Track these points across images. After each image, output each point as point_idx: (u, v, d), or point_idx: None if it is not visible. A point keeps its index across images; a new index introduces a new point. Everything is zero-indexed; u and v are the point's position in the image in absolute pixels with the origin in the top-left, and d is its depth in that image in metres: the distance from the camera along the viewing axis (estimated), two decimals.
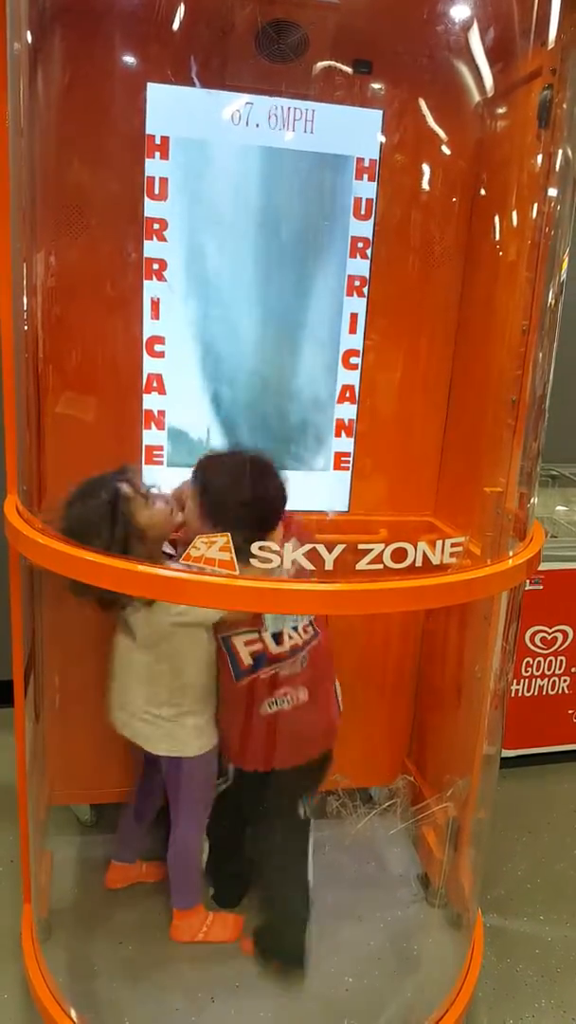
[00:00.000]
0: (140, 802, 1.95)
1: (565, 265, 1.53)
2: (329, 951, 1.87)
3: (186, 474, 1.85)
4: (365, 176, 1.80)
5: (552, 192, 1.54)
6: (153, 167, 1.70)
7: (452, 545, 1.28)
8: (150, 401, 1.83)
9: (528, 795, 2.57)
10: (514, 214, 1.76)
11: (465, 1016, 1.70)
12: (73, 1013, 1.61)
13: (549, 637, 2.54)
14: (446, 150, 1.81)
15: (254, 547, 1.20)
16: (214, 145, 1.73)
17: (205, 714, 1.77)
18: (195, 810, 1.84)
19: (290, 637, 1.74)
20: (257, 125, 1.70)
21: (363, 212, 1.82)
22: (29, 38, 1.45)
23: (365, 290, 1.88)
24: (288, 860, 1.84)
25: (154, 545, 1.57)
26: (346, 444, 1.97)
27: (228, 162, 1.74)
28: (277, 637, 1.73)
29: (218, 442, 1.89)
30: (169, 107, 1.67)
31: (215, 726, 1.80)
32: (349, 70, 1.72)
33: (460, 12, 1.59)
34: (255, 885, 1.90)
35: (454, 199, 1.86)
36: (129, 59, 1.66)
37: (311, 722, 1.80)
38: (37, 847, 1.79)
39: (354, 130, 1.77)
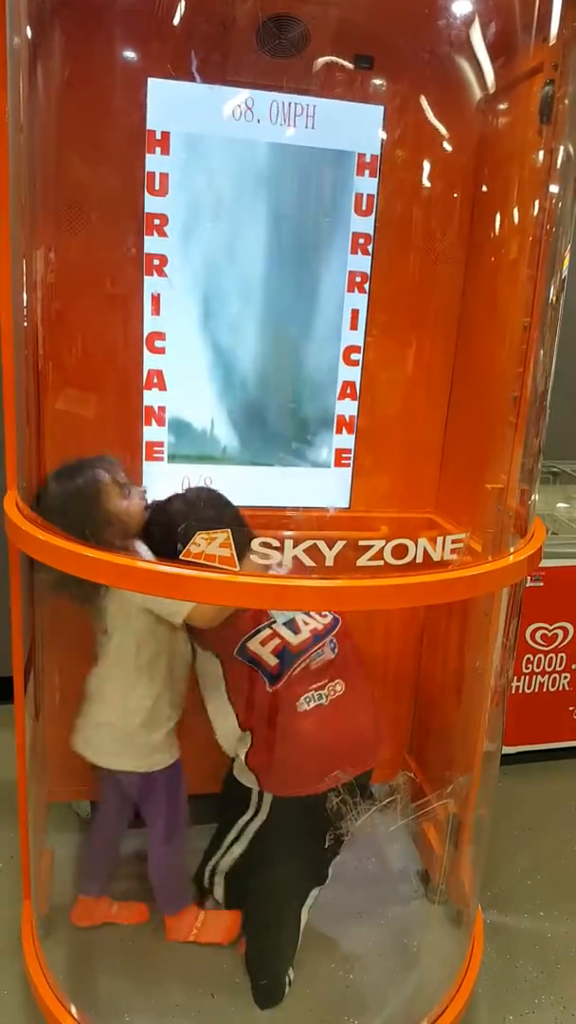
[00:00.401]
0: (98, 826, 1.92)
1: (567, 262, 1.53)
2: (329, 947, 1.87)
3: (187, 470, 1.86)
4: (366, 172, 1.79)
5: (554, 188, 1.53)
6: (154, 162, 1.69)
7: (453, 542, 1.28)
8: (150, 397, 1.82)
9: (529, 792, 2.57)
10: (515, 210, 1.76)
11: (465, 1012, 1.70)
12: (73, 1009, 1.61)
13: (550, 634, 2.54)
14: (447, 146, 1.80)
15: (254, 543, 1.20)
16: (215, 140, 1.73)
17: (162, 729, 1.73)
18: (166, 825, 1.81)
19: (305, 623, 1.71)
20: (258, 121, 1.69)
21: (364, 208, 1.82)
22: (29, 33, 1.45)
23: (366, 286, 1.87)
24: (290, 897, 1.81)
25: (124, 538, 1.56)
26: (347, 440, 1.97)
27: (229, 157, 1.74)
28: (292, 626, 1.70)
29: (220, 435, 1.89)
30: (170, 102, 1.66)
31: (175, 742, 1.76)
32: (350, 65, 1.71)
33: (461, 7, 1.59)
34: (250, 907, 1.86)
35: (455, 195, 1.86)
36: (129, 54, 1.65)
37: (354, 721, 1.73)
38: (37, 844, 1.79)
39: (355, 126, 1.76)
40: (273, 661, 1.67)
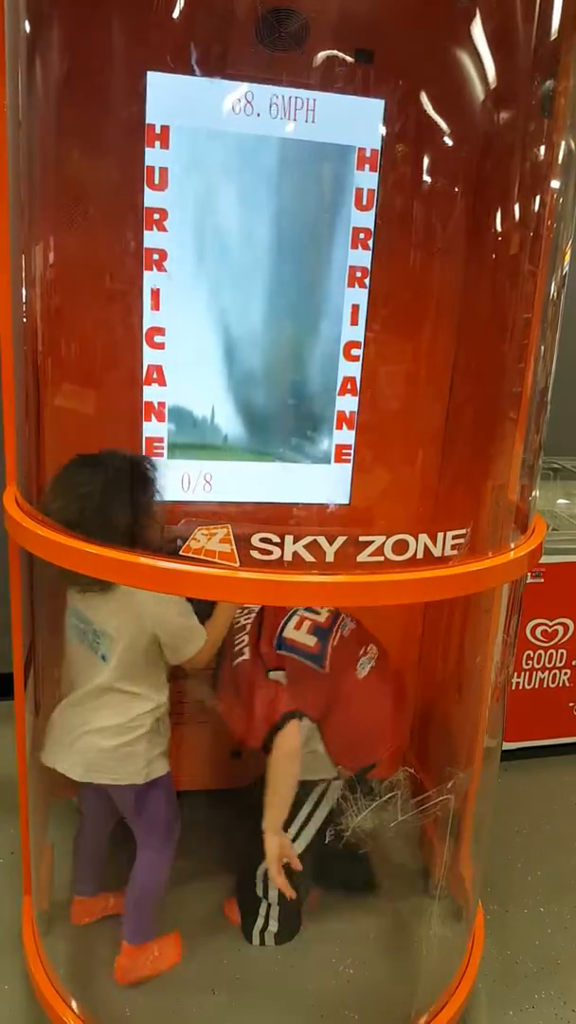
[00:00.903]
0: (84, 831, 1.88)
1: (568, 258, 1.52)
2: (330, 942, 1.87)
3: (186, 466, 1.86)
4: (367, 166, 1.79)
5: (555, 184, 1.53)
6: (153, 156, 1.68)
7: (453, 537, 1.28)
8: (150, 392, 1.82)
9: (529, 788, 2.57)
10: (516, 206, 1.75)
11: (466, 1007, 1.70)
12: (74, 1004, 1.61)
13: (550, 630, 2.54)
14: (448, 140, 1.80)
15: (254, 539, 1.20)
16: (215, 134, 1.72)
17: (164, 743, 1.70)
18: (154, 839, 1.75)
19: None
20: (258, 114, 1.68)
21: (364, 203, 1.81)
22: (27, 27, 1.44)
23: (366, 281, 1.87)
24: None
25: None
26: (347, 436, 1.96)
27: (229, 151, 1.73)
28: (311, 610, 1.77)
29: (220, 431, 1.89)
30: (169, 96, 1.65)
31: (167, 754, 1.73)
32: (350, 59, 1.70)
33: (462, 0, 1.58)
34: None
35: (456, 190, 1.85)
36: (128, 47, 1.64)
37: (397, 674, 1.85)
38: (38, 840, 1.79)
39: (355, 120, 1.75)
40: (312, 640, 1.72)
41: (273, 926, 1.86)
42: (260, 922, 1.86)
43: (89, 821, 1.87)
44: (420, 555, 1.25)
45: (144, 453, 1.85)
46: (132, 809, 1.72)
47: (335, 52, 1.69)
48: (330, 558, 1.23)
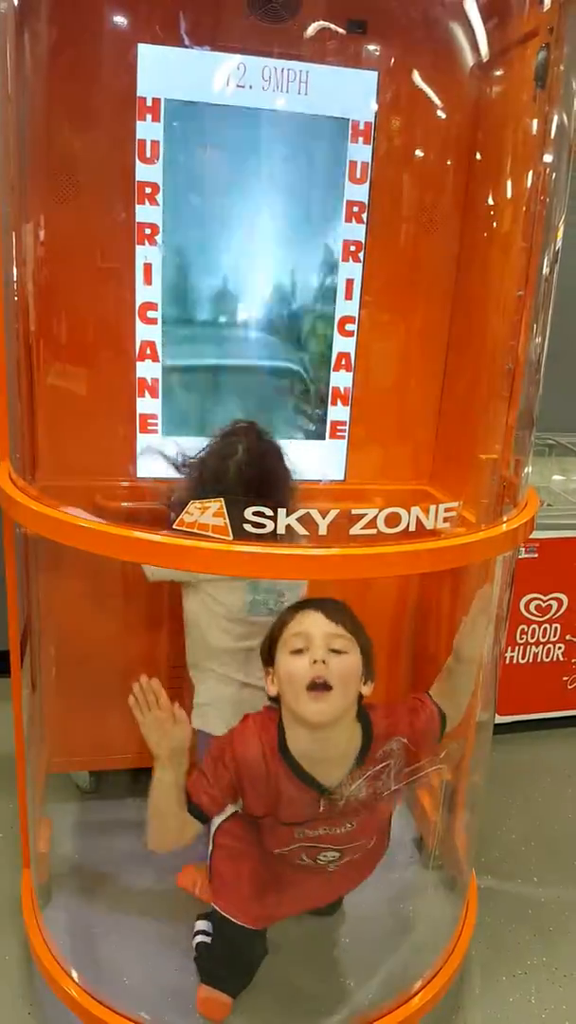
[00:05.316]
0: None
1: (560, 234, 1.52)
2: (326, 911, 1.90)
3: (181, 443, 1.86)
4: (360, 139, 1.77)
5: (547, 158, 1.52)
6: (144, 130, 1.67)
7: (446, 510, 1.28)
8: (143, 369, 1.81)
9: (522, 760, 2.60)
10: (509, 180, 1.74)
11: (459, 974, 1.73)
12: (74, 974, 1.64)
13: (544, 605, 2.55)
14: (441, 113, 1.78)
15: (247, 512, 1.20)
16: (207, 107, 1.70)
17: None
18: None
19: None
20: (250, 86, 1.67)
21: (359, 176, 1.80)
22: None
23: (361, 255, 1.86)
24: None
25: None
26: (342, 412, 1.96)
27: (221, 124, 1.72)
28: None
29: (214, 407, 1.89)
30: (160, 68, 1.64)
31: None
32: (343, 30, 1.69)
33: None
34: None
35: (449, 163, 1.84)
36: (118, 19, 1.63)
37: None
38: (36, 814, 1.81)
39: (349, 92, 1.74)
40: None
41: None
42: None
43: None
44: (413, 527, 1.25)
45: (139, 430, 1.85)
46: None
47: (328, 23, 1.67)
48: (323, 531, 1.23)
